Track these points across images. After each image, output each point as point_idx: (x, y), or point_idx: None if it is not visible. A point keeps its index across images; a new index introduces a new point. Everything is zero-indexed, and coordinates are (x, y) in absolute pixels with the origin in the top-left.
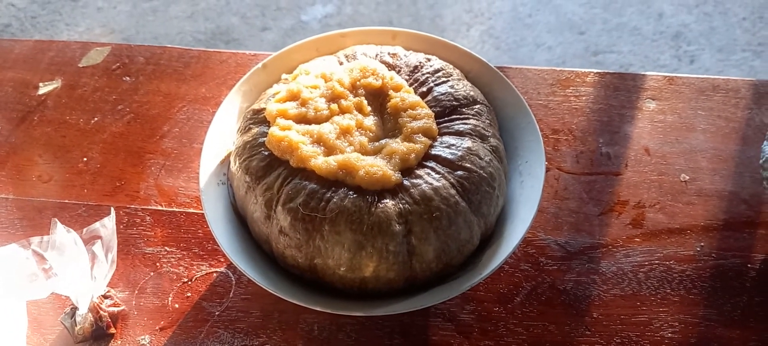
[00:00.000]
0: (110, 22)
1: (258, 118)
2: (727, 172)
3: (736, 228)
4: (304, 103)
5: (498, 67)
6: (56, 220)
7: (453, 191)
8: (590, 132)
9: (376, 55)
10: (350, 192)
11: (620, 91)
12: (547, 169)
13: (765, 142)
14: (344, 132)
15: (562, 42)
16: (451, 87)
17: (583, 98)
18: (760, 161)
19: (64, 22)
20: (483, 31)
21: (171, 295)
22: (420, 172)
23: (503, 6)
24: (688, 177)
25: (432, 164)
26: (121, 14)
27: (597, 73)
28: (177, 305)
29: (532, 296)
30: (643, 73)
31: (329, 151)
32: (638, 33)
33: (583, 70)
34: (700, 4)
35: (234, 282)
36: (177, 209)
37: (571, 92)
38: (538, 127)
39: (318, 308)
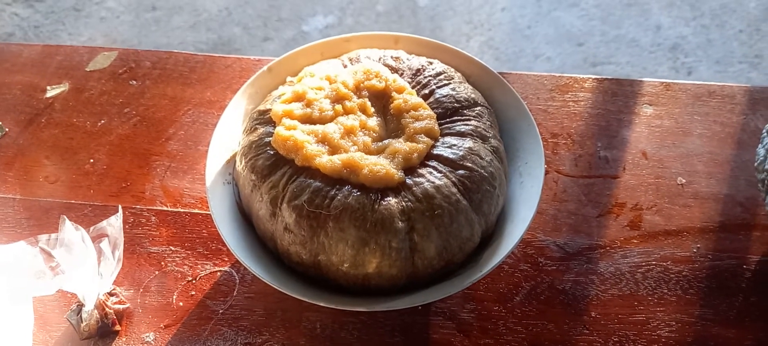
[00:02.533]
0: (113, 32)
1: (264, 119)
2: (723, 175)
3: (732, 230)
4: (309, 104)
5: (498, 73)
6: (65, 217)
7: (454, 190)
8: (588, 136)
9: (380, 59)
10: (354, 190)
11: (618, 97)
12: (546, 172)
13: (760, 146)
14: (348, 132)
15: (560, 53)
16: (453, 89)
17: (582, 103)
18: (755, 164)
19: (67, 31)
20: (482, 42)
21: (175, 293)
22: (422, 171)
23: (502, 17)
24: (684, 180)
25: (434, 164)
26: (124, 24)
27: (595, 78)
28: (181, 304)
29: (531, 296)
30: (640, 79)
31: (334, 150)
32: (636, 45)
33: (581, 76)
34: (698, 16)
35: (238, 281)
36: (182, 210)
37: (569, 97)
38: (537, 129)
39: (321, 304)
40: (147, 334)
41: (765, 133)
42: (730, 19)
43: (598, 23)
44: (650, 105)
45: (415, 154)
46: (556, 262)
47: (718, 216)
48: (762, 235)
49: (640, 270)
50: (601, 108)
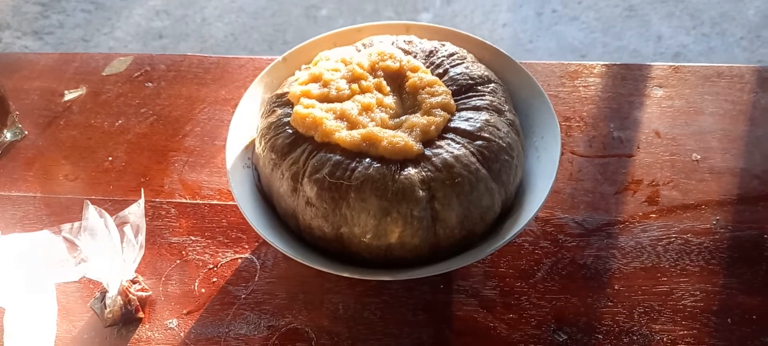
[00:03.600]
0: (112, 53)
1: (281, 101)
2: (737, 150)
3: (750, 202)
4: (326, 85)
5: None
6: (88, 202)
7: (473, 159)
8: (601, 118)
9: (392, 43)
10: (374, 162)
11: (628, 81)
12: (561, 153)
13: None
14: (365, 109)
15: None
16: (466, 68)
17: (592, 88)
18: None
19: None
20: None
21: (197, 281)
22: (440, 142)
23: (504, 33)
24: (699, 156)
25: (452, 136)
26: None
27: (604, 64)
28: (203, 290)
29: (553, 271)
30: (648, 63)
31: (352, 126)
32: (638, 55)
33: (589, 62)
34: (698, 25)
35: (259, 267)
36: (201, 202)
37: (579, 83)
38: (551, 104)
39: (346, 275)
40: (170, 320)
41: None
42: (730, 26)
43: (599, 35)
44: (660, 87)
45: (433, 127)
46: (576, 238)
47: (736, 189)
48: None
49: (660, 243)
50: (612, 92)
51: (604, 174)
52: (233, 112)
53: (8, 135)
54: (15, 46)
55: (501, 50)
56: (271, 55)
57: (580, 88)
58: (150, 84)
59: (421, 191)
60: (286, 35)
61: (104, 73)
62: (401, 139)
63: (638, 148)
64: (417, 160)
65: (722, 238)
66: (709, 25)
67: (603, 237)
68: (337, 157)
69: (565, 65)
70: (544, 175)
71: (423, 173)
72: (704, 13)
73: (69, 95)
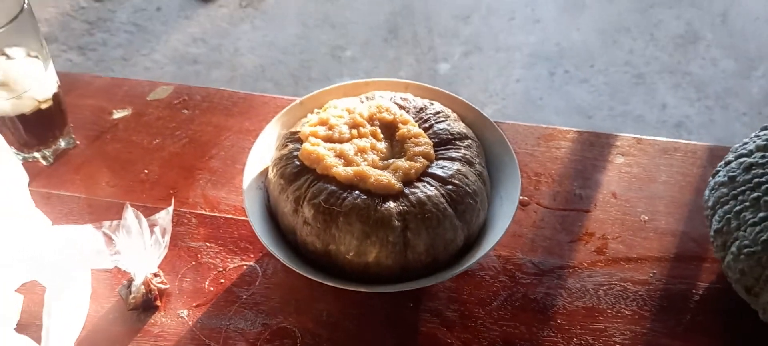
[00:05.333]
0: (157, 81)
1: (293, 138)
2: (681, 216)
3: (685, 261)
4: (331, 128)
5: (494, 122)
6: (128, 204)
7: (443, 200)
8: (567, 177)
9: (390, 98)
10: (362, 194)
11: (595, 147)
12: (528, 204)
13: (706, 189)
14: (361, 150)
15: (569, 124)
16: (448, 125)
17: (563, 150)
18: (703, 202)
19: None
20: (496, 109)
21: (207, 280)
22: (418, 184)
23: (516, 88)
24: (647, 217)
25: (428, 179)
26: (167, 75)
27: (576, 131)
28: (212, 289)
29: (507, 302)
30: (615, 133)
31: (348, 163)
32: (642, 120)
33: (564, 128)
34: (702, 98)
35: (260, 273)
36: (218, 215)
37: (553, 145)
38: (516, 161)
39: (330, 283)
40: (182, 311)
41: (711, 178)
42: (733, 101)
43: (606, 99)
44: (622, 155)
45: (413, 171)
46: (531, 276)
47: (674, 249)
48: (711, 266)
49: (602, 288)
50: (579, 155)
51: (563, 224)
52: (254, 141)
53: (62, 143)
54: (60, 58)
55: (482, 112)
56: (295, 88)
57: (553, 150)
58: (186, 111)
59: (396, 222)
60: (311, 72)
61: (148, 98)
62: (386, 178)
63: (595, 205)
64: (397, 196)
65: (656, 288)
66: (713, 99)
67: (554, 278)
68: (333, 187)
69: (542, 128)
70: (503, 217)
71: (400, 207)
72: (709, 86)
73: (117, 114)
